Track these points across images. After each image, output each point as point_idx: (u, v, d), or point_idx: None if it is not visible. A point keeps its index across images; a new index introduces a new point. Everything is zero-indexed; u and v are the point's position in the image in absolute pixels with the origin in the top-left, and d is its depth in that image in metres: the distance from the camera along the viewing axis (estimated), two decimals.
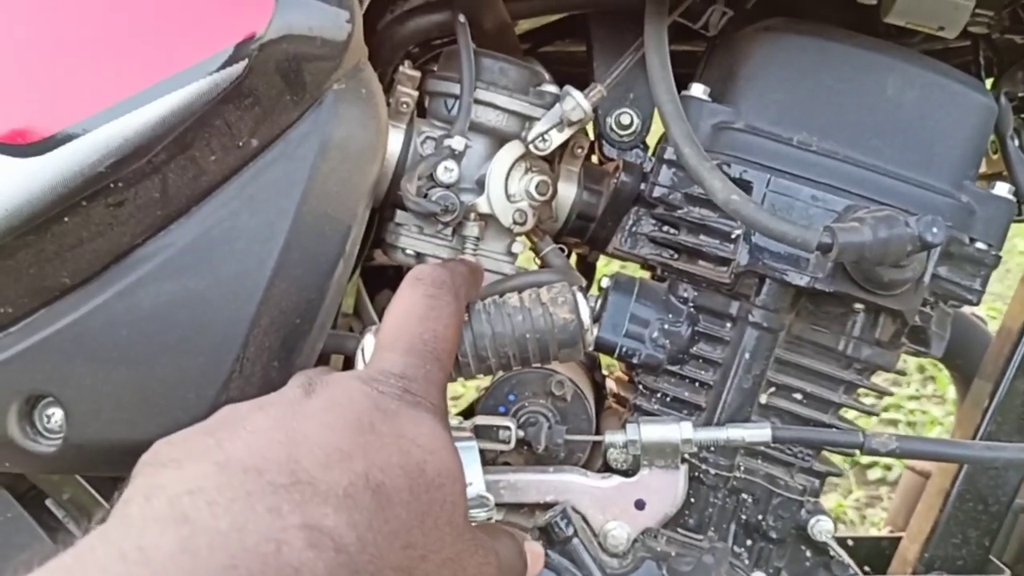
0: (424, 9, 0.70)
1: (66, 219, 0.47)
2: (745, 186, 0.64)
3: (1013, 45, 0.75)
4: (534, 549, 0.53)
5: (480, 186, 0.67)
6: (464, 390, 2.05)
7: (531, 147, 0.66)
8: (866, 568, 0.93)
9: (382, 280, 0.82)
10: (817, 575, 0.70)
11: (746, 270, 0.64)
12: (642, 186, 0.70)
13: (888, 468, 2.12)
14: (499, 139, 0.67)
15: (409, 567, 0.40)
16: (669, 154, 0.67)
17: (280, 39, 0.49)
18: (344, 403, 0.43)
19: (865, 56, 0.66)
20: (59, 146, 0.46)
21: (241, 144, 0.50)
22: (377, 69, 0.58)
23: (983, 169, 0.78)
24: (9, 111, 0.46)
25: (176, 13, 0.48)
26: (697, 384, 0.68)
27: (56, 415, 0.51)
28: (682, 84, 0.66)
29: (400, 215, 0.67)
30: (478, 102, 0.66)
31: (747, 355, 0.66)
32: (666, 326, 0.68)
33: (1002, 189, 0.68)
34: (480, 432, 0.65)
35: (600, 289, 0.69)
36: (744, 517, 0.69)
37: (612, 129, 0.72)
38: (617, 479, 0.66)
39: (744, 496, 0.69)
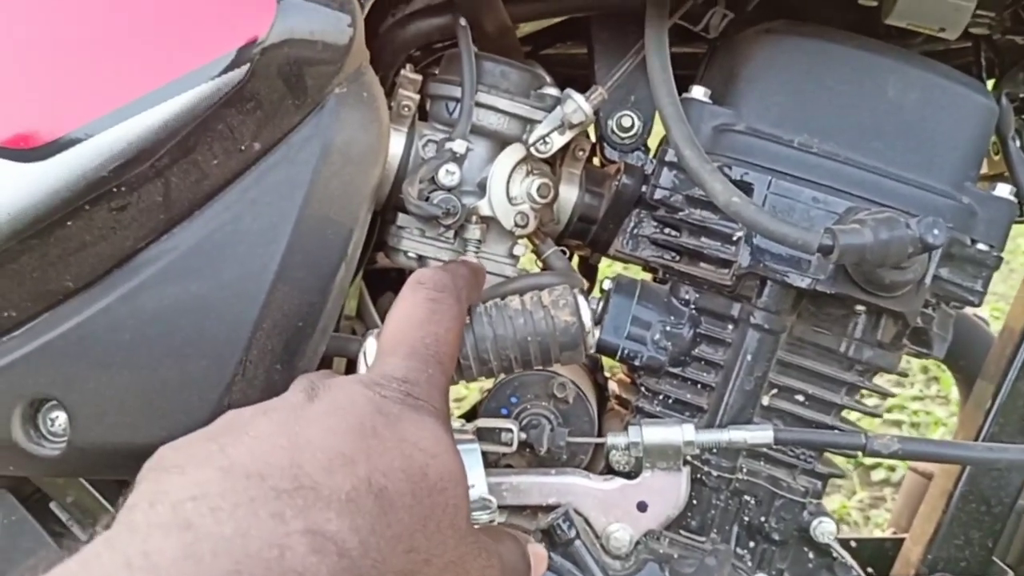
0: (425, 13, 0.70)
1: (69, 223, 0.48)
2: (746, 188, 0.64)
3: (1014, 46, 0.75)
4: (537, 551, 0.53)
5: (482, 189, 0.67)
6: (467, 392, 2.05)
7: (532, 150, 0.66)
8: (869, 570, 0.92)
9: (384, 283, 0.83)
10: None
11: (747, 272, 0.64)
12: (643, 188, 0.70)
13: (892, 469, 2.11)
14: (500, 142, 0.67)
15: (412, 571, 0.40)
16: (670, 156, 0.67)
17: (282, 43, 0.49)
18: (346, 407, 0.43)
19: (866, 58, 0.66)
20: (62, 150, 0.46)
21: (243, 148, 0.50)
22: (379, 73, 0.58)
23: (984, 170, 0.78)
24: (12, 115, 0.46)
25: (178, 17, 0.49)
26: (699, 386, 0.68)
27: (60, 418, 0.51)
28: (683, 86, 0.66)
29: (402, 218, 0.67)
30: (479, 105, 0.66)
31: (749, 357, 0.66)
32: (668, 328, 0.68)
33: (1003, 190, 0.68)
34: (482, 435, 0.66)
35: (602, 291, 0.69)
36: (746, 519, 0.69)
37: (613, 131, 0.72)
38: (619, 481, 0.66)
39: (746, 498, 0.69)
